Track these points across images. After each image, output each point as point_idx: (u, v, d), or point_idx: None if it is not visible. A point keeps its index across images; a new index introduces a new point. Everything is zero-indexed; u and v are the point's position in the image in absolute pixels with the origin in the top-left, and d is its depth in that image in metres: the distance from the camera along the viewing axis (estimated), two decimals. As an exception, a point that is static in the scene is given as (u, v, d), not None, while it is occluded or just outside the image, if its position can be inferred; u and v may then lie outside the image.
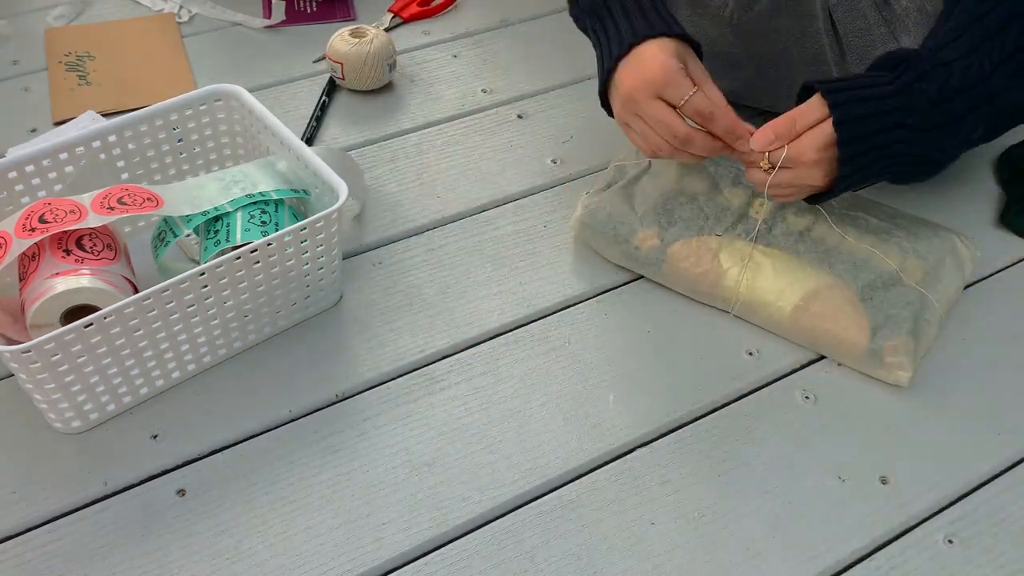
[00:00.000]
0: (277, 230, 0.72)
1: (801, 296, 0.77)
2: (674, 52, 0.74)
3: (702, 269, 0.80)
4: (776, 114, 1.04)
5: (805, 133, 0.71)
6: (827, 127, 0.70)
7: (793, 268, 0.78)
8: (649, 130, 0.76)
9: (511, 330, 0.80)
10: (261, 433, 0.72)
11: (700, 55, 0.78)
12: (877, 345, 0.75)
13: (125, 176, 0.81)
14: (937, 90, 0.70)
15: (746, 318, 0.81)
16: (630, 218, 0.83)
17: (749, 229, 0.81)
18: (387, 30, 1.14)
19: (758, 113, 1.02)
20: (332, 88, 1.05)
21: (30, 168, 0.75)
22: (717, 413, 0.75)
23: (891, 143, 0.71)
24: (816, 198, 0.77)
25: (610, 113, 0.81)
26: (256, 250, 0.70)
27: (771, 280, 0.78)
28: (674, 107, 0.74)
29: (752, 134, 0.74)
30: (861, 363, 0.76)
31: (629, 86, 0.75)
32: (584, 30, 0.85)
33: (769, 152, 0.72)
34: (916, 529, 0.68)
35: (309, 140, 0.98)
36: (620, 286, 0.84)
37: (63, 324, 0.67)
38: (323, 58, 1.08)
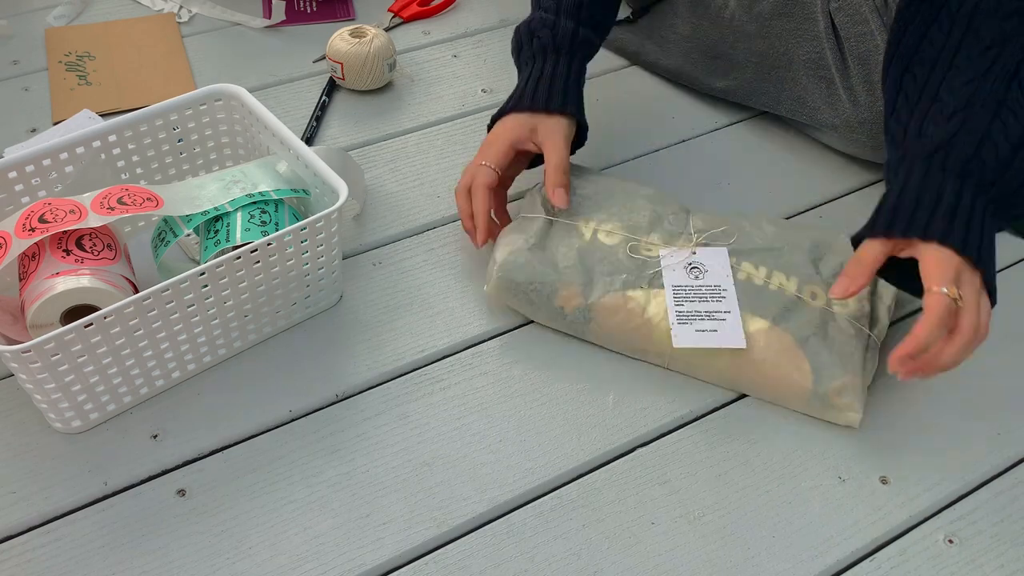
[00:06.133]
0: (277, 230, 0.72)
1: None
2: (521, 125, 0.81)
3: (633, 325, 0.75)
4: (775, 115, 1.04)
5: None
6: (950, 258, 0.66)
7: None
8: None
9: (511, 330, 0.80)
10: (261, 433, 0.72)
11: (578, 123, 0.83)
12: (822, 388, 0.71)
13: (125, 176, 0.81)
14: (994, 165, 0.67)
15: (685, 372, 0.76)
16: (550, 276, 0.76)
17: (670, 280, 0.75)
18: (387, 30, 1.14)
19: (757, 113, 1.02)
20: (332, 88, 1.05)
21: (30, 168, 0.75)
22: (717, 413, 0.75)
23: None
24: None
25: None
26: (256, 250, 0.70)
27: None
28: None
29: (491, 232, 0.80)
30: (809, 407, 0.73)
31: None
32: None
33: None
34: (916, 529, 0.68)
35: (309, 140, 0.98)
36: (620, 286, 0.84)
37: (63, 324, 0.67)
38: (323, 58, 1.08)
